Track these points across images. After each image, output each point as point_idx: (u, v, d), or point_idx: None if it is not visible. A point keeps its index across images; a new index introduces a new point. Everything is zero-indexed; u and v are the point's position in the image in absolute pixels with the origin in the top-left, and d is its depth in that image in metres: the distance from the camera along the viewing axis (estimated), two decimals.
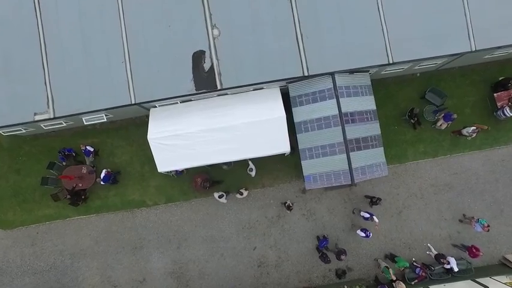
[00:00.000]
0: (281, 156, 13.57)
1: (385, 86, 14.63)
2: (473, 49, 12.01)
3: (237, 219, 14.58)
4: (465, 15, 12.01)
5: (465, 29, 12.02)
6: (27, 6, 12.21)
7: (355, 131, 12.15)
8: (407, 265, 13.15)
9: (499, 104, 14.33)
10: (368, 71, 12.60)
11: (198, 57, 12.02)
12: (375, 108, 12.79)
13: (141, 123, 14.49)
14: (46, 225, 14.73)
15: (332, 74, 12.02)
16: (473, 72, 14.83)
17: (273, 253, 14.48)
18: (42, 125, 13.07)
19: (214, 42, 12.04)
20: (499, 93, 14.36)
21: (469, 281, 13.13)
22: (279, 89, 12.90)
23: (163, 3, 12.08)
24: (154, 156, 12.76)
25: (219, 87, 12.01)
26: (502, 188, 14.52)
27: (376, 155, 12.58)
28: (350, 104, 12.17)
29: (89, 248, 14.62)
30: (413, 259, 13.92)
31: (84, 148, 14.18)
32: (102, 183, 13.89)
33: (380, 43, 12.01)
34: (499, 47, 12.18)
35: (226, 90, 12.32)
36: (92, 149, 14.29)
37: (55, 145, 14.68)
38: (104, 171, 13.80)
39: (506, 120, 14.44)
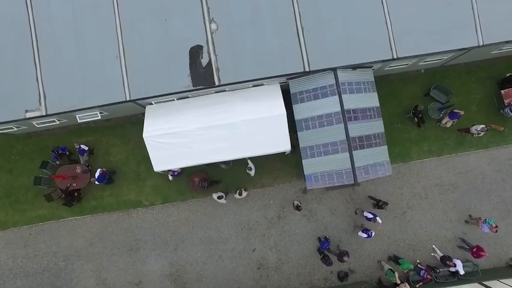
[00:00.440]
0: (281, 155, 13.36)
1: (389, 83, 14.37)
2: (481, 44, 11.67)
3: (235, 220, 14.32)
4: (472, 8, 11.68)
5: (472, 22, 11.67)
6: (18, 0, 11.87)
7: (358, 129, 11.84)
8: (412, 267, 12.82)
9: (506, 101, 14.03)
10: (371, 67, 12.29)
11: (195, 52, 11.74)
12: (379, 105, 12.47)
13: (137, 122, 14.22)
14: (39, 226, 14.47)
15: (334, 70, 11.71)
16: (480, 69, 14.54)
17: (273, 255, 14.22)
18: (34, 123, 12.75)
19: (212, 37, 11.76)
20: (506, 90, 14.06)
21: (476, 283, 12.84)
22: (279, 85, 12.63)
23: None
24: (150, 155, 12.51)
25: (217, 84, 11.72)
26: (509, 188, 14.22)
27: (379, 154, 12.25)
28: (353, 101, 11.85)
29: (84, 249, 14.35)
30: (418, 261, 13.62)
31: (78, 147, 13.96)
32: (96, 182, 13.65)
33: (384, 37, 11.67)
34: (508, 42, 11.85)
35: (224, 87, 12.03)
36: (86, 148, 14.06)
37: (48, 144, 14.43)
38: (98, 170, 13.53)
39: None
